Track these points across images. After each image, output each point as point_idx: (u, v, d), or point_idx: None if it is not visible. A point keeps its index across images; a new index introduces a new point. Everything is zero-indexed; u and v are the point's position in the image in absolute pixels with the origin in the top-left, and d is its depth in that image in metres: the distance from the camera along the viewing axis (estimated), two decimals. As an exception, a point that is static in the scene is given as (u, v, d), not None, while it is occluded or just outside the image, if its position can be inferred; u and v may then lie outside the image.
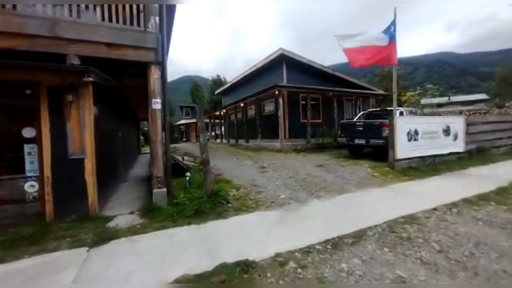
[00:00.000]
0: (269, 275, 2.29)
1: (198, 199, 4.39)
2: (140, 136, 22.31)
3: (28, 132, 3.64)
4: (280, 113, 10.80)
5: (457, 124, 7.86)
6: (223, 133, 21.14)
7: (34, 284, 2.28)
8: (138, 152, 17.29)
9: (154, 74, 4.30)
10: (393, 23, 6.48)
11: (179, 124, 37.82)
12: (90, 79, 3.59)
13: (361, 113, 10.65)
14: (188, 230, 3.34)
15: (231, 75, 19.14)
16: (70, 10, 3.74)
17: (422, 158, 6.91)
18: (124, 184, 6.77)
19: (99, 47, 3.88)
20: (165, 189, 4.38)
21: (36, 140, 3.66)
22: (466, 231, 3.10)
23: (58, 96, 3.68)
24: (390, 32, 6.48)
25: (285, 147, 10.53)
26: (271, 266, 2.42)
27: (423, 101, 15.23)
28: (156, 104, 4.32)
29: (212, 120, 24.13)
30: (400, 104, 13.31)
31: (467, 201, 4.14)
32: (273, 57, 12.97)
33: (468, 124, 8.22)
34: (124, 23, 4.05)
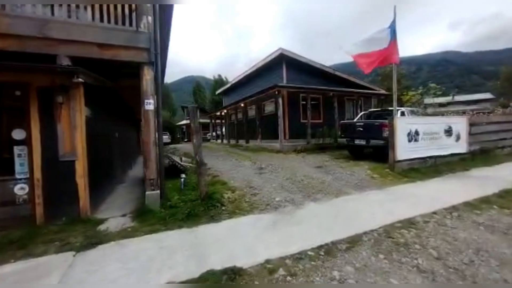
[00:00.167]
0: (256, 283, 2.20)
1: (192, 201, 4.31)
2: (140, 136, 22.31)
3: (18, 134, 3.59)
4: (280, 113, 10.69)
5: (460, 124, 7.68)
6: (224, 133, 21.06)
7: (15, 291, 2.22)
8: (138, 153, 17.28)
9: (147, 74, 4.23)
10: (393, 21, 6.36)
11: (181, 125, 37.85)
12: (80, 80, 3.53)
13: (362, 113, 10.50)
14: (178, 234, 3.26)
15: (233, 75, 19.08)
16: (60, 9, 3.67)
17: (423, 159, 6.77)
18: (121, 185, 6.72)
19: (90, 48, 3.81)
20: (158, 191, 4.30)
21: (26, 142, 3.61)
22: (466, 237, 2.97)
23: (48, 97, 3.62)
24: (391, 30, 6.36)
25: (285, 148, 10.42)
26: (260, 273, 2.32)
27: (426, 100, 15.00)
28: (149, 104, 4.25)
29: (213, 121, 24.08)
30: (401, 104, 13.12)
31: (468, 205, 4.00)
32: (272, 57, 12.86)
33: (471, 124, 8.03)
34: (116, 22, 3.98)
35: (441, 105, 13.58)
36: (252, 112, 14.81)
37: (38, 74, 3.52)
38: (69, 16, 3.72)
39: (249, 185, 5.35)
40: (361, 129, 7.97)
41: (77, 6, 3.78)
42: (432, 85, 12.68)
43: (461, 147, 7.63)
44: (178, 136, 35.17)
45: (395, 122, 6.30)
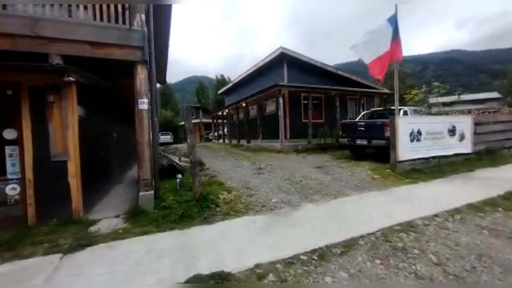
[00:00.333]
0: None
1: (187, 202, 4.23)
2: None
3: (9, 134, 3.55)
4: (281, 113, 10.57)
5: (464, 123, 7.47)
6: (225, 133, 20.99)
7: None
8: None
9: (141, 73, 4.16)
10: (395, 15, 6.23)
11: (183, 124, 37.89)
12: (71, 78, 3.47)
13: (364, 112, 10.32)
14: (169, 236, 3.18)
15: (236, 75, 19.00)
16: (52, 8, 3.62)
17: (426, 159, 6.59)
18: (119, 185, 6.68)
19: (82, 46, 3.76)
20: (152, 192, 4.24)
21: (18, 141, 3.57)
22: (468, 241, 2.83)
23: (40, 96, 3.58)
24: (393, 23, 6.23)
25: (286, 148, 10.30)
26: (248, 279, 2.23)
27: (431, 100, 14.69)
28: (143, 104, 4.18)
29: (215, 120, 24.04)
30: (405, 103, 12.87)
31: (472, 207, 3.84)
32: (273, 56, 12.73)
33: (476, 124, 7.81)
34: (109, 21, 3.92)
35: (445, 104, 13.26)
36: (253, 112, 14.72)
37: (29, 73, 3.48)
38: (61, 14, 3.67)
39: (246, 186, 5.25)
40: (363, 129, 7.81)
41: (69, 5, 3.73)
42: (436, 83, 12.38)
43: (466, 147, 7.42)
44: (181, 136, 35.21)
45: (397, 121, 6.14)
